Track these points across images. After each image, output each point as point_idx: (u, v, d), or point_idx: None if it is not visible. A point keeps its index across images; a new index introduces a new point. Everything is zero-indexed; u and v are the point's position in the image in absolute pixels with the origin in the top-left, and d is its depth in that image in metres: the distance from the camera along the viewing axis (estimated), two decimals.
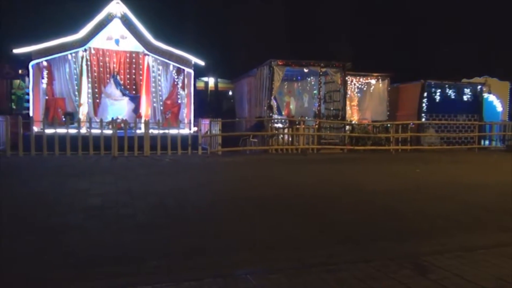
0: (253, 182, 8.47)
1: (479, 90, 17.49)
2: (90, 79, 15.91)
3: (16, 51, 14.04)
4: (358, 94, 17.38)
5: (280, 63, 14.77)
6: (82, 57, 15.42)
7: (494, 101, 19.39)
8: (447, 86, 16.98)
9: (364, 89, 17.38)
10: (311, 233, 4.81)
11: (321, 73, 15.55)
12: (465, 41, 25.50)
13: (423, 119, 16.52)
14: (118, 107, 16.51)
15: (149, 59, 16.34)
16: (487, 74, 19.22)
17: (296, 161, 12.31)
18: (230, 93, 25.18)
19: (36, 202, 6.04)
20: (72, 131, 12.46)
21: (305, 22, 28.00)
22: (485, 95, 18.41)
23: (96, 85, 16.23)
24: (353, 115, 17.24)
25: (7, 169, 9.59)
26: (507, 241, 4.50)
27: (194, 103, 16.48)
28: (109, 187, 7.25)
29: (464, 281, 3.33)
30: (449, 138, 16.80)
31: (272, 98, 15.04)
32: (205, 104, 23.90)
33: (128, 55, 16.60)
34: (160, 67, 16.95)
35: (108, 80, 16.49)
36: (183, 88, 16.78)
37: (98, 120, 13.27)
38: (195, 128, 15.29)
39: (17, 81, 18.68)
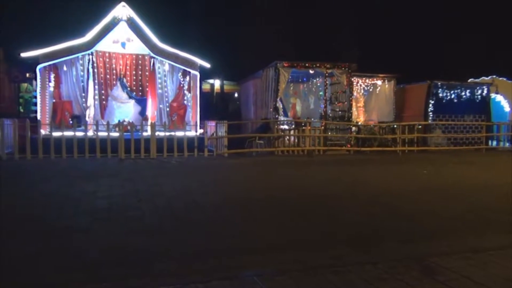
0: (259, 184, 8.47)
1: (486, 90, 17.37)
2: (96, 82, 15.99)
3: (23, 55, 14.16)
4: (364, 95, 17.34)
5: (286, 65, 14.76)
6: (89, 60, 15.53)
7: (502, 101, 19.24)
8: (453, 86, 16.88)
9: (370, 90, 17.34)
10: (318, 234, 4.81)
11: (326, 74, 15.52)
12: (472, 41, 25.35)
13: (430, 120, 16.43)
14: (125, 109, 16.58)
15: (155, 62, 16.41)
16: (495, 74, 19.08)
17: (302, 163, 12.29)
18: (236, 95, 25.21)
19: (43, 205, 6.07)
20: (79, 134, 12.52)
21: (310, 23, 27.97)
22: (493, 95, 18.28)
23: (102, 88, 16.30)
24: (359, 116, 17.20)
25: (15, 172, 9.66)
26: None
27: (200, 105, 16.52)
28: (116, 189, 7.28)
29: (472, 283, 3.31)
30: (456, 139, 16.70)
31: (278, 99, 15.03)
32: (211, 106, 23.93)
33: (134, 58, 16.67)
34: (166, 70, 17.00)
35: (114, 83, 16.56)
36: (189, 90, 16.82)
37: (104, 123, 13.34)
38: (201, 130, 15.32)
39: (25, 85, 18.83)
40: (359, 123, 16.47)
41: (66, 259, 3.86)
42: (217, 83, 25.42)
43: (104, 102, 16.37)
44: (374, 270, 3.56)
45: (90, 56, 15.51)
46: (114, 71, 16.52)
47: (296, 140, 14.84)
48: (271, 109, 14.90)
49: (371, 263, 3.71)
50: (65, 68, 15.77)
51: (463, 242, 4.52)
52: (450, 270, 3.56)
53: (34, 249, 4.13)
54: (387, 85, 17.17)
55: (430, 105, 16.46)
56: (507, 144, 18.03)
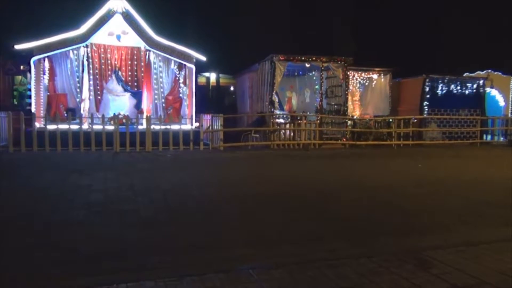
0: (254, 177, 8.48)
1: (481, 84, 17.43)
2: (91, 75, 15.89)
3: (17, 47, 14.02)
4: (360, 89, 17.34)
5: (282, 58, 14.73)
6: (84, 53, 15.41)
7: (497, 96, 19.33)
8: (449, 80, 16.92)
9: (366, 84, 17.34)
10: (313, 228, 4.82)
11: (322, 68, 15.50)
12: (468, 35, 25.37)
13: (425, 114, 16.48)
14: (120, 102, 16.50)
15: (151, 55, 16.33)
16: (490, 68, 19.13)
17: (297, 157, 12.31)
18: (232, 88, 25.13)
19: (38, 198, 6.05)
20: (74, 127, 12.47)
21: (307, 16, 27.90)
22: (488, 89, 18.34)
23: (97, 81, 16.21)
24: (355, 110, 17.21)
25: (9, 165, 9.62)
26: (510, 236, 4.51)
27: (195, 98, 16.46)
28: (111, 182, 7.26)
29: (466, 276, 3.33)
30: (451, 133, 16.77)
31: (273, 93, 15.01)
32: (207, 99, 23.84)
33: (129, 50, 16.56)
34: (162, 63, 16.92)
35: (109, 76, 16.47)
36: (184, 83, 16.75)
37: (100, 116, 13.28)
38: (197, 124, 15.29)
39: (19, 77, 18.65)
40: (355, 117, 16.50)
41: (61, 252, 3.85)
42: (213, 76, 25.31)
43: (99, 95, 16.28)
44: (369, 264, 3.58)
45: (85, 49, 15.40)
46: (109, 64, 16.42)
47: (292, 134, 14.85)
48: (266, 103, 14.89)
49: (365, 257, 3.72)
50: (59, 61, 15.65)
51: (457, 236, 4.55)
52: (444, 264, 3.59)
53: (29, 242, 4.11)
54: (382, 79, 17.18)
55: (426, 99, 16.50)
56: (501, 138, 18.13)
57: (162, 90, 17.02)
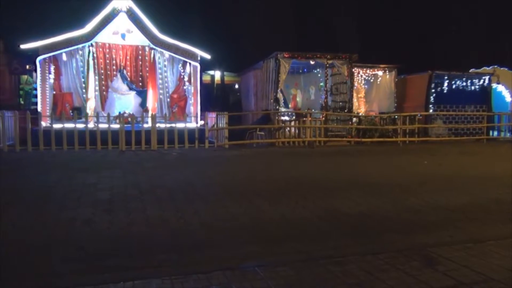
0: (260, 175, 8.48)
1: (487, 80, 17.32)
2: (97, 74, 15.95)
3: (23, 46, 14.10)
4: (365, 86, 17.28)
5: (286, 56, 14.71)
6: (89, 52, 15.45)
7: (503, 92, 19.15)
8: (454, 76, 16.83)
9: (371, 80, 17.28)
10: (319, 225, 4.82)
11: (327, 65, 15.47)
12: (474, 31, 25.21)
13: (431, 110, 16.41)
14: (125, 101, 16.55)
15: (155, 53, 16.34)
16: (496, 64, 18.99)
17: (303, 154, 12.30)
18: (237, 86, 25.16)
19: (45, 197, 6.08)
20: (80, 125, 12.52)
21: (311, 13, 27.84)
22: (494, 85, 18.21)
23: (103, 79, 16.27)
24: (360, 107, 17.16)
25: (16, 164, 9.67)
26: None
27: (200, 96, 16.46)
28: (117, 181, 7.29)
29: (473, 273, 3.32)
30: (457, 129, 16.69)
31: (278, 90, 14.99)
32: (212, 97, 23.90)
33: (134, 49, 16.60)
34: (166, 61, 16.93)
35: (114, 75, 16.52)
36: (189, 81, 16.76)
37: (105, 115, 13.33)
38: (202, 122, 15.30)
39: (25, 77, 18.77)
40: (360, 114, 16.45)
41: (68, 250, 3.88)
42: (217, 74, 25.35)
43: (104, 94, 16.34)
44: (375, 261, 3.57)
45: (90, 48, 15.44)
46: (114, 63, 16.47)
47: (297, 131, 14.83)
48: (271, 100, 14.88)
49: (371, 254, 3.72)
50: (65, 60, 15.73)
51: (464, 232, 4.53)
52: (451, 260, 3.57)
53: (36, 240, 4.14)
54: (388, 76, 17.11)
55: (431, 96, 16.43)
56: (508, 134, 18.02)
57: (167, 88, 17.05)
